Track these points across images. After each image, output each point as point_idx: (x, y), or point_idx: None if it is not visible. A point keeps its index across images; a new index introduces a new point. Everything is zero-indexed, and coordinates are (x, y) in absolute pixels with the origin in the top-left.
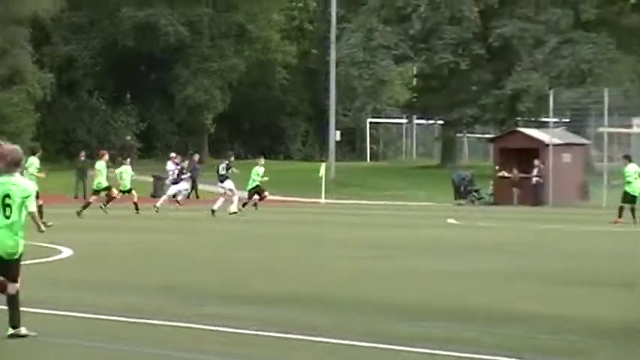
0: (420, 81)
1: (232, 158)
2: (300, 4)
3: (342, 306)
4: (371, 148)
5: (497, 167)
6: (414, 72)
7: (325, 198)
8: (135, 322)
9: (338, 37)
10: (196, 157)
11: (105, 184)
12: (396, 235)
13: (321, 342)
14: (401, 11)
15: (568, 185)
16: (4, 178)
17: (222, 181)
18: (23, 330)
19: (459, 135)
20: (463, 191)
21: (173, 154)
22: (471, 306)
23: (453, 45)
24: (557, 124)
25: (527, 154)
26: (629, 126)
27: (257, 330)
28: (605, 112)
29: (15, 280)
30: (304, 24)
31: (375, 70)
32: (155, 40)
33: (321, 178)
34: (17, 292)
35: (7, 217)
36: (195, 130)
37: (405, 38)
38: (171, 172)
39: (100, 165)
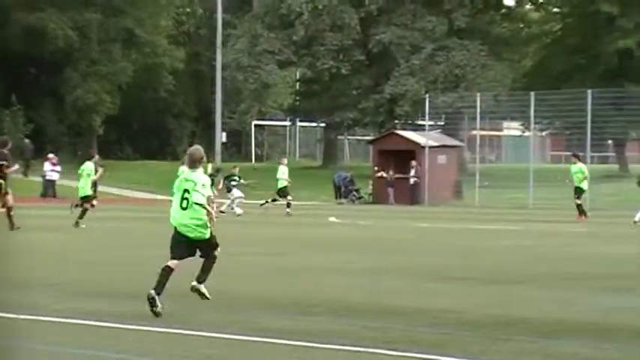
0: (303, 85)
1: (237, 169)
2: (188, 10)
3: (225, 301)
4: (256, 150)
5: (375, 168)
6: (297, 76)
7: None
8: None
9: (224, 43)
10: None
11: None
12: (281, 233)
13: (201, 336)
14: (285, 18)
15: (443, 185)
16: (186, 175)
17: (229, 190)
18: None
19: (340, 137)
20: (344, 191)
21: (51, 155)
22: (350, 301)
23: (334, 51)
24: (432, 127)
25: (405, 155)
26: (500, 129)
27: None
28: (478, 116)
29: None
30: (191, 29)
31: (260, 74)
32: (44, 44)
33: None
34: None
35: (185, 208)
36: (84, 132)
37: (289, 44)
38: (47, 173)
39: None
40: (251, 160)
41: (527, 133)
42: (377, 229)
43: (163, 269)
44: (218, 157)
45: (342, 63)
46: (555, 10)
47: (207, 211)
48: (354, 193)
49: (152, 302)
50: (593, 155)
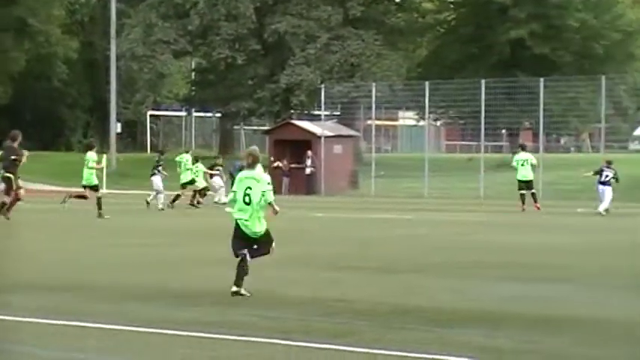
0: (199, 75)
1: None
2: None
3: (117, 292)
4: (151, 140)
5: (271, 158)
6: (193, 66)
7: (107, 188)
8: None
9: (118, 32)
10: None
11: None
12: (173, 223)
13: (101, 328)
14: (179, 7)
15: (339, 175)
16: (246, 173)
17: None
18: None
19: (236, 127)
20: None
21: None
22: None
23: (229, 40)
24: (328, 117)
25: (301, 145)
26: (395, 118)
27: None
28: (373, 106)
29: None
30: (85, 18)
31: (155, 64)
32: None
33: (102, 169)
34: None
35: (247, 204)
36: None
37: (184, 33)
38: None
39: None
40: (146, 151)
41: (422, 123)
42: (272, 219)
43: (239, 263)
44: (113, 148)
45: (237, 52)
46: (449, 0)
47: (273, 207)
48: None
49: (237, 294)
50: (487, 144)
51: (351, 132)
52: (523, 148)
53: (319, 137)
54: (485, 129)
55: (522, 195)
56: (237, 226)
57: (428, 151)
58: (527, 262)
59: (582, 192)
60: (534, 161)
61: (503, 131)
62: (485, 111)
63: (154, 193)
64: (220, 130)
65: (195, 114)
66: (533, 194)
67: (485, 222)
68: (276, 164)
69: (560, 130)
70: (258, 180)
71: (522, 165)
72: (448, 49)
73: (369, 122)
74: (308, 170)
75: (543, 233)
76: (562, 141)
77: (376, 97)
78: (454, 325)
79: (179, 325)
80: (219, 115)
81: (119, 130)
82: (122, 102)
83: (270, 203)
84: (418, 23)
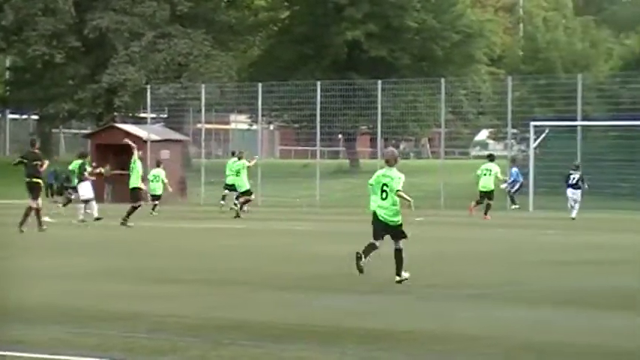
0: (13, 74)
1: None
2: None
3: None
4: None
5: (94, 164)
6: (7, 65)
7: None
8: None
9: None
10: None
11: None
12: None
13: None
14: None
15: (168, 182)
16: (384, 171)
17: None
18: None
19: (55, 130)
20: (58, 188)
21: None
22: (66, 306)
23: (47, 37)
24: (155, 120)
25: (125, 150)
26: (227, 122)
27: None
28: (203, 108)
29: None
30: None
31: None
32: None
33: None
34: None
35: (384, 199)
36: None
37: None
38: None
39: None
40: None
41: (254, 127)
42: (96, 229)
43: (370, 244)
44: None
45: (55, 50)
46: None
47: (407, 199)
48: (70, 190)
49: (359, 258)
50: (323, 150)
51: (180, 136)
52: (491, 158)
53: (145, 141)
54: (321, 133)
55: (484, 204)
56: (376, 217)
57: (261, 156)
58: (364, 273)
59: (423, 200)
60: (499, 173)
61: (340, 136)
62: (321, 114)
63: (82, 203)
64: (38, 134)
65: (10, 116)
66: (488, 205)
67: (320, 231)
68: (98, 170)
69: (399, 135)
70: (392, 178)
71: (485, 175)
72: (282, 49)
73: (198, 126)
74: None
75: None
76: (401, 146)
77: (206, 99)
78: (284, 339)
79: None
80: (36, 117)
81: None
82: None
83: (401, 196)
84: (250, 21)
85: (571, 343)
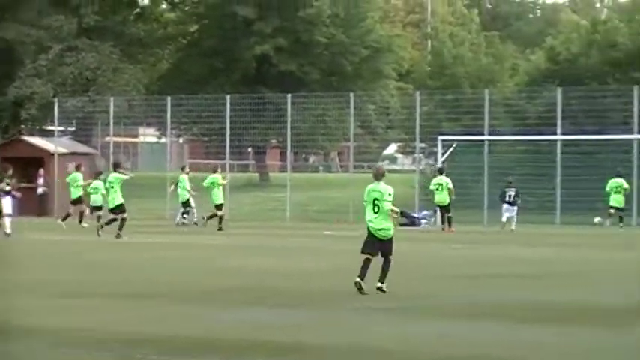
0: None
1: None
2: None
3: None
4: None
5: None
6: None
7: None
8: None
9: None
10: None
11: None
12: None
13: None
14: None
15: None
16: (374, 186)
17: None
18: None
19: None
20: None
21: None
22: None
23: None
24: (63, 133)
25: (33, 163)
26: (136, 135)
27: None
28: (111, 121)
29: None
30: None
31: None
32: None
33: None
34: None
35: (376, 213)
36: None
37: None
38: None
39: None
40: None
41: (163, 140)
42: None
43: (364, 262)
44: None
45: None
46: (191, 10)
47: (395, 213)
48: None
49: (360, 286)
50: (232, 163)
51: (88, 149)
52: (440, 171)
53: (52, 155)
54: (230, 147)
55: (446, 217)
56: (370, 232)
57: (170, 170)
58: (272, 287)
59: (330, 213)
60: (450, 185)
61: (250, 149)
62: (231, 128)
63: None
64: None
65: None
66: (448, 218)
67: (231, 245)
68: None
69: (309, 149)
70: (382, 193)
71: (437, 189)
72: (191, 63)
73: (107, 139)
74: (40, 190)
75: (286, 257)
76: (310, 160)
77: (114, 112)
78: (195, 353)
79: None
80: None
81: None
82: None
83: (391, 210)
84: (159, 34)
85: (485, 354)
